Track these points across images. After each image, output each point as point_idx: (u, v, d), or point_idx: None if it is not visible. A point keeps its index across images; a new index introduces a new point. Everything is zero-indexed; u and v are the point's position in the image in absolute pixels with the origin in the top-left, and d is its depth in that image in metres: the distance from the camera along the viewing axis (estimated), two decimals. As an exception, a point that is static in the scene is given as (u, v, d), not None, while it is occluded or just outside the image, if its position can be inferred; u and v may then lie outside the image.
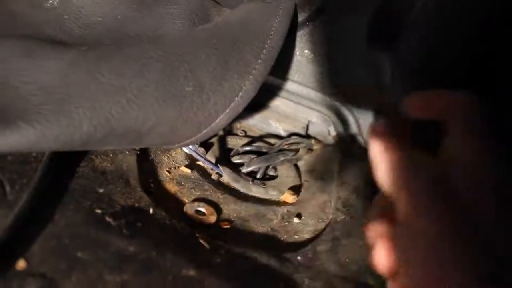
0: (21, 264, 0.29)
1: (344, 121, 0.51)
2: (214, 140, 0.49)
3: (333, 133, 0.52)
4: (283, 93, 0.51)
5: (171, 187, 0.42)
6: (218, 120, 0.37)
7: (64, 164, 0.36)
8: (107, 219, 0.34)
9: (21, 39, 0.36)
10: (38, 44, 0.35)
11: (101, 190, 0.36)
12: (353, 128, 0.51)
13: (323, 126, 0.52)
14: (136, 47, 0.36)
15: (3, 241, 0.29)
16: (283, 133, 0.53)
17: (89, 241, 0.31)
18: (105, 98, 0.32)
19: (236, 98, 0.36)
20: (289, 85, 0.49)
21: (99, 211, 0.34)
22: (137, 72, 0.33)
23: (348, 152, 0.50)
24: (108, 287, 0.29)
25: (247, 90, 0.37)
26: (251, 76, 0.36)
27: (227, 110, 0.37)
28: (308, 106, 0.51)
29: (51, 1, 0.43)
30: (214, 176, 0.46)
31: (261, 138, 0.53)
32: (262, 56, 0.37)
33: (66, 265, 0.30)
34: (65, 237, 0.31)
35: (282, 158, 0.49)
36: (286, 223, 0.42)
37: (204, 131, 0.37)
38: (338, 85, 0.47)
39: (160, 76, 0.34)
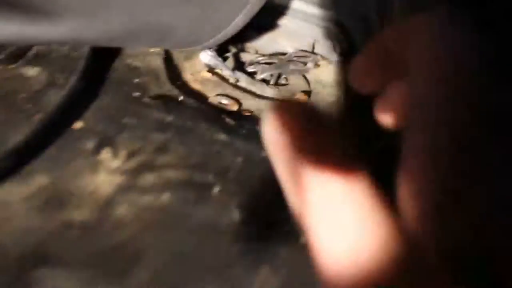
0: (78, 125, 0.33)
1: (349, 39, 0.55)
2: (229, 55, 0.54)
3: (338, 50, 0.57)
4: (290, 12, 0.55)
5: (195, 85, 0.46)
6: (236, 20, 0.41)
7: (101, 60, 0.41)
8: (145, 99, 0.38)
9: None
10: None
11: (136, 80, 0.41)
12: (359, 46, 0.56)
13: (328, 43, 0.57)
14: None
15: (62, 105, 0.33)
16: (291, 50, 0.58)
17: (131, 112, 0.36)
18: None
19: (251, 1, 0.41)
20: (296, 3, 0.54)
21: (136, 93, 0.38)
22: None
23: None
24: (154, 143, 0.33)
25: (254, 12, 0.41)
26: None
27: (243, 11, 0.41)
28: (314, 24, 0.55)
29: None
30: (232, 81, 0.51)
31: (271, 55, 0.57)
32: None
33: (116, 128, 0.34)
34: (111, 109, 0.36)
35: (292, 67, 0.53)
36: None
37: (223, 32, 0.42)
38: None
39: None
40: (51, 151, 0.31)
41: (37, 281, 0.23)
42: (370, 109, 0.19)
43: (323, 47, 0.56)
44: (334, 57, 0.57)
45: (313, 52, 0.57)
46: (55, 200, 0.28)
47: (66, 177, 0.29)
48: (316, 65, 0.56)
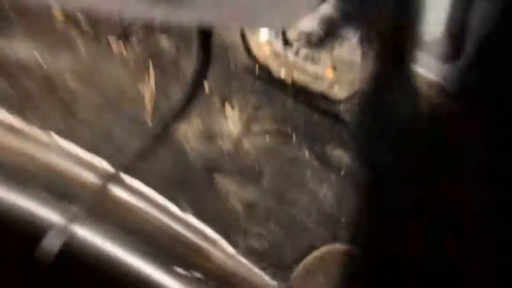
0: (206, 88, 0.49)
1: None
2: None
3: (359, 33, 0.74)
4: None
5: (261, 59, 0.63)
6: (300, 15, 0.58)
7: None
8: (237, 70, 0.54)
9: None
10: None
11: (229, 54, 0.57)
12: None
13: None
14: None
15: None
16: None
17: (233, 80, 0.52)
18: None
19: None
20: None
21: (233, 67, 0.54)
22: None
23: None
24: (253, 102, 0.50)
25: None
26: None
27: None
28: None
29: None
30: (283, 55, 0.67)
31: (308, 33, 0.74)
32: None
33: (228, 90, 0.50)
34: (221, 77, 0.52)
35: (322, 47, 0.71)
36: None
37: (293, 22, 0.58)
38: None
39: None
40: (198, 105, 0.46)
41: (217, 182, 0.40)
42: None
43: (346, 30, 0.73)
44: (356, 39, 0.74)
45: (338, 35, 0.73)
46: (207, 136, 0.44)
47: (208, 122, 0.45)
48: (339, 44, 0.73)
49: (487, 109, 0.51)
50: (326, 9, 0.71)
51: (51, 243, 0.33)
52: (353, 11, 0.70)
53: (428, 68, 0.56)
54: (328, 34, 0.72)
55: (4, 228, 0.38)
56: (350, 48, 0.71)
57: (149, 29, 0.49)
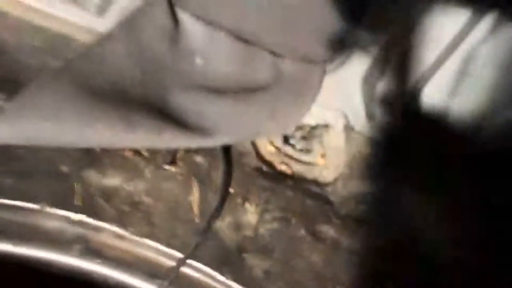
0: (232, 191, 0.73)
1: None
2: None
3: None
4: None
5: (266, 156, 0.86)
6: (292, 126, 0.81)
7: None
8: (250, 170, 0.78)
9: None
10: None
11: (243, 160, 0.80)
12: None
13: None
14: (258, 93, 0.80)
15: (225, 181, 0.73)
16: (312, 123, 0.98)
17: (249, 181, 0.76)
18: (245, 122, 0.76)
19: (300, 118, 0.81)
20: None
21: (247, 168, 0.78)
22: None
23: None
24: (264, 197, 0.73)
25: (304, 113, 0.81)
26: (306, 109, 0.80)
27: (296, 122, 0.81)
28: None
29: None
30: (283, 151, 0.91)
31: (299, 128, 0.97)
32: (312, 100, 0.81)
33: (245, 190, 0.74)
34: (239, 178, 0.75)
35: (313, 139, 0.94)
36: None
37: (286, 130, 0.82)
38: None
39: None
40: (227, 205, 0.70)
41: (244, 258, 0.64)
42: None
43: (333, 121, 0.96)
44: (340, 127, 0.97)
45: (325, 125, 0.97)
46: (235, 227, 0.68)
47: (235, 216, 0.69)
48: (327, 133, 0.97)
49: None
50: (316, 104, 0.95)
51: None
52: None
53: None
54: (317, 125, 0.95)
55: None
56: (335, 135, 0.94)
57: (188, 151, 0.73)
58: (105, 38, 0.71)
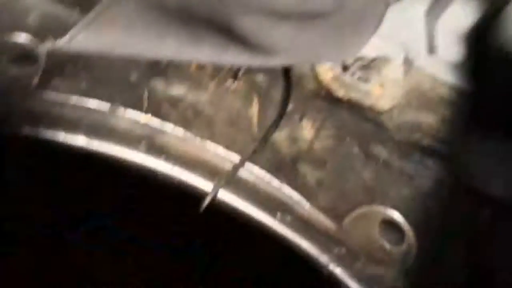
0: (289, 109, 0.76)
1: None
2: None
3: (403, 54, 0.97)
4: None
5: (326, 82, 0.88)
6: (352, 52, 0.82)
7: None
8: (307, 94, 0.80)
9: None
10: None
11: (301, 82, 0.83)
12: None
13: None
14: (321, 19, 0.81)
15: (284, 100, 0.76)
16: (373, 54, 0.98)
17: (307, 103, 0.78)
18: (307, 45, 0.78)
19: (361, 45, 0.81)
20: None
21: (304, 90, 0.81)
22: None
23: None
24: (319, 119, 0.76)
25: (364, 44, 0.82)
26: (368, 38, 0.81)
27: (357, 50, 0.82)
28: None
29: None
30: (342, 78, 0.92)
31: (358, 59, 0.98)
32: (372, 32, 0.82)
33: (301, 111, 0.77)
34: (295, 100, 0.78)
35: (372, 69, 0.95)
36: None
37: (347, 56, 0.83)
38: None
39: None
40: (285, 120, 0.74)
41: (298, 168, 0.67)
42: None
43: (393, 53, 0.97)
44: (399, 60, 0.97)
45: (385, 58, 0.98)
46: (291, 140, 0.71)
47: (292, 131, 0.72)
48: (386, 65, 0.97)
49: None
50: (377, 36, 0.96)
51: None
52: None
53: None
54: (377, 57, 0.96)
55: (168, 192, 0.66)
56: (394, 68, 0.95)
57: (249, 69, 0.77)
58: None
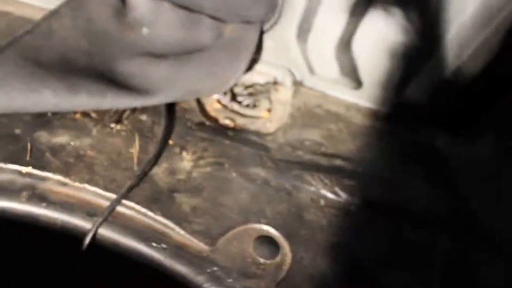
0: (171, 142, 0.82)
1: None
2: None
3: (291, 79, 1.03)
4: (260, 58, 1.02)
5: (212, 112, 0.94)
6: (231, 82, 0.89)
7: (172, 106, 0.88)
8: (192, 125, 0.86)
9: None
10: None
11: (186, 115, 0.89)
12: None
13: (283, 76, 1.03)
14: (197, 54, 0.88)
15: (164, 136, 0.81)
16: (261, 81, 1.05)
17: (189, 133, 0.84)
18: (184, 81, 0.84)
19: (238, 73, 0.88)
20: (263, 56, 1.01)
21: (188, 122, 0.87)
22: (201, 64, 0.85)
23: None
24: (201, 146, 0.82)
25: (242, 71, 0.88)
26: (244, 64, 0.88)
27: (234, 78, 0.89)
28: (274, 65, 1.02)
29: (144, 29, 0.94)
30: (229, 107, 0.98)
31: (248, 86, 1.05)
32: (248, 57, 0.88)
33: (183, 141, 0.83)
34: (178, 133, 0.84)
35: (261, 94, 1.01)
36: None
37: (226, 87, 0.90)
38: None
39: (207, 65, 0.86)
40: (165, 154, 0.79)
41: (175, 197, 0.73)
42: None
43: (281, 77, 1.04)
44: (288, 83, 1.04)
45: (274, 82, 1.05)
46: (170, 171, 0.77)
47: (171, 163, 0.78)
48: (275, 89, 1.04)
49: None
50: (264, 64, 1.02)
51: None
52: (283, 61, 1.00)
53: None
54: (267, 82, 1.03)
55: (51, 235, 0.70)
56: (283, 90, 1.02)
57: (134, 110, 0.82)
58: (52, 15, 0.80)
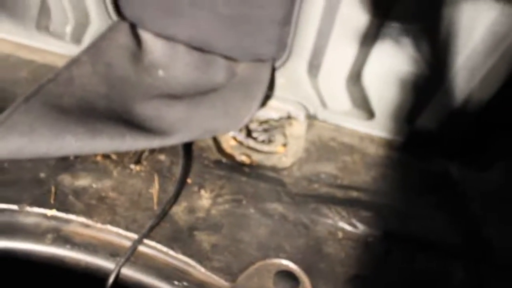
0: (189, 181, 0.84)
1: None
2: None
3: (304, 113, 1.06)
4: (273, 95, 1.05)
5: (228, 149, 0.97)
6: (245, 119, 0.91)
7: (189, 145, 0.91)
8: (209, 163, 0.89)
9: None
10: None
11: (204, 154, 0.91)
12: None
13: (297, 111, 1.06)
14: (211, 94, 0.91)
15: (182, 175, 0.83)
16: (275, 117, 1.07)
17: (206, 171, 0.86)
18: (200, 121, 0.87)
19: (252, 111, 0.90)
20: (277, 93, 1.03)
21: (205, 161, 0.89)
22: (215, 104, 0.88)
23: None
24: (219, 185, 0.84)
25: (256, 108, 0.91)
26: (257, 102, 0.90)
27: (248, 116, 0.91)
28: (287, 101, 1.05)
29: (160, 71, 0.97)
30: (245, 144, 1.01)
31: (262, 122, 1.07)
32: (262, 95, 0.91)
33: (201, 179, 0.85)
34: (197, 171, 0.86)
35: (276, 129, 1.04)
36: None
37: (240, 124, 0.92)
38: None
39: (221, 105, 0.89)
40: (184, 193, 0.81)
41: (195, 235, 0.75)
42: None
43: (294, 112, 1.06)
44: (302, 117, 1.06)
45: (288, 117, 1.07)
46: (190, 210, 0.78)
47: (190, 202, 0.80)
48: (290, 124, 1.06)
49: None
50: (277, 99, 1.05)
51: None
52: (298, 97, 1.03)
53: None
54: (281, 118, 1.05)
55: (75, 276, 0.72)
56: (298, 125, 1.04)
57: (152, 151, 0.84)
58: (73, 62, 0.83)
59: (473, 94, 0.84)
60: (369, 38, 0.82)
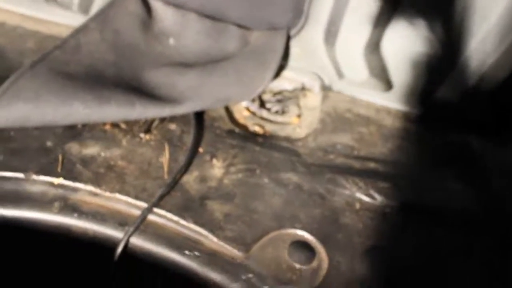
0: (201, 150, 0.81)
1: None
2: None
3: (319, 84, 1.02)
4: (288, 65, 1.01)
5: (241, 120, 0.94)
6: (259, 89, 0.88)
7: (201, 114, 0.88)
8: (222, 132, 0.85)
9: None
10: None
11: (215, 123, 0.88)
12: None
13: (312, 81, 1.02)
14: (224, 62, 0.87)
15: (194, 143, 0.81)
16: (289, 88, 1.04)
17: (219, 140, 0.83)
18: (212, 89, 0.83)
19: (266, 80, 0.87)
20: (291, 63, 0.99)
21: (217, 130, 0.86)
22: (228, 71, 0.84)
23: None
24: (232, 154, 0.81)
25: (270, 78, 0.87)
26: (271, 72, 0.87)
27: (262, 85, 0.88)
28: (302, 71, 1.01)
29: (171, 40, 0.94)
30: (258, 114, 0.97)
31: (276, 93, 1.03)
32: (276, 64, 0.87)
33: (214, 149, 0.82)
34: (208, 140, 0.83)
35: (290, 100, 1.00)
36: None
37: (254, 94, 0.89)
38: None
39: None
40: (195, 162, 0.78)
41: (206, 204, 0.72)
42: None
43: (309, 83, 1.02)
44: (317, 89, 1.03)
45: (302, 88, 1.03)
46: (201, 179, 0.76)
47: (202, 171, 0.77)
48: (304, 95, 1.03)
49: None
50: (292, 70, 1.01)
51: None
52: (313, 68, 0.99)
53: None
54: (295, 89, 1.01)
55: (83, 246, 0.70)
56: (312, 96, 1.00)
57: (163, 120, 0.82)
58: (80, 29, 0.80)
59: (488, 74, 0.81)
60: (384, 15, 0.78)
